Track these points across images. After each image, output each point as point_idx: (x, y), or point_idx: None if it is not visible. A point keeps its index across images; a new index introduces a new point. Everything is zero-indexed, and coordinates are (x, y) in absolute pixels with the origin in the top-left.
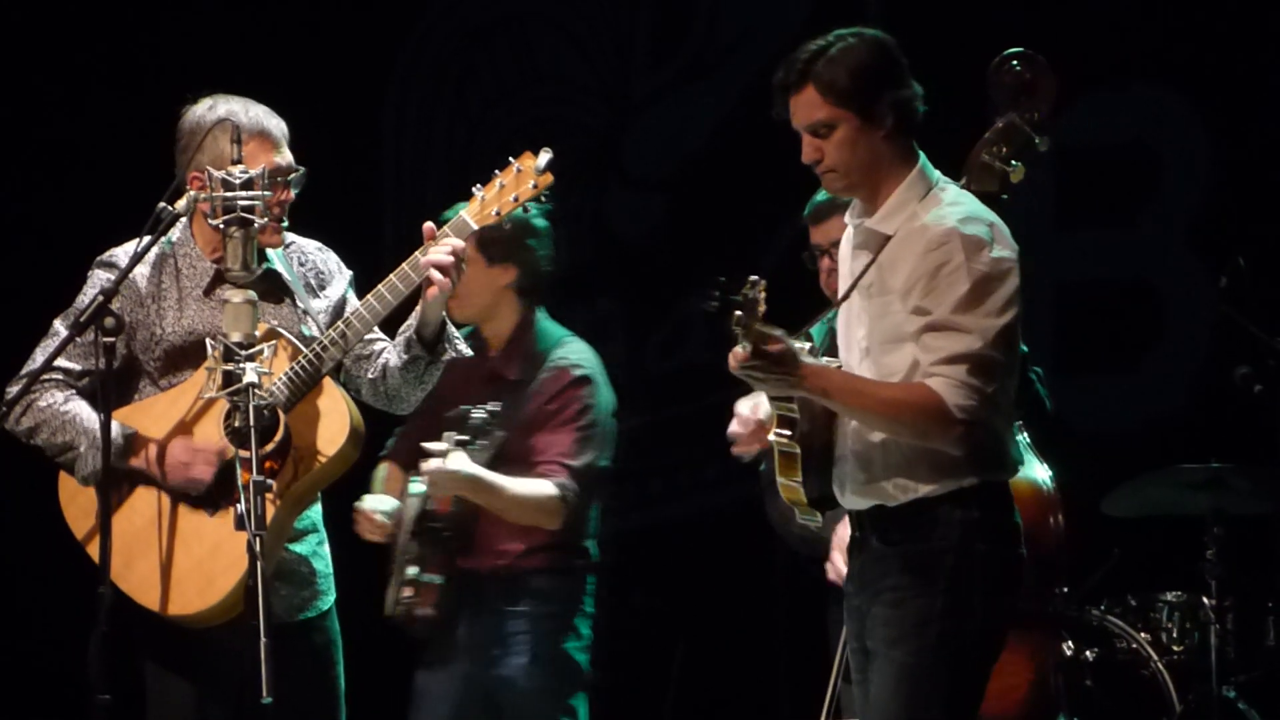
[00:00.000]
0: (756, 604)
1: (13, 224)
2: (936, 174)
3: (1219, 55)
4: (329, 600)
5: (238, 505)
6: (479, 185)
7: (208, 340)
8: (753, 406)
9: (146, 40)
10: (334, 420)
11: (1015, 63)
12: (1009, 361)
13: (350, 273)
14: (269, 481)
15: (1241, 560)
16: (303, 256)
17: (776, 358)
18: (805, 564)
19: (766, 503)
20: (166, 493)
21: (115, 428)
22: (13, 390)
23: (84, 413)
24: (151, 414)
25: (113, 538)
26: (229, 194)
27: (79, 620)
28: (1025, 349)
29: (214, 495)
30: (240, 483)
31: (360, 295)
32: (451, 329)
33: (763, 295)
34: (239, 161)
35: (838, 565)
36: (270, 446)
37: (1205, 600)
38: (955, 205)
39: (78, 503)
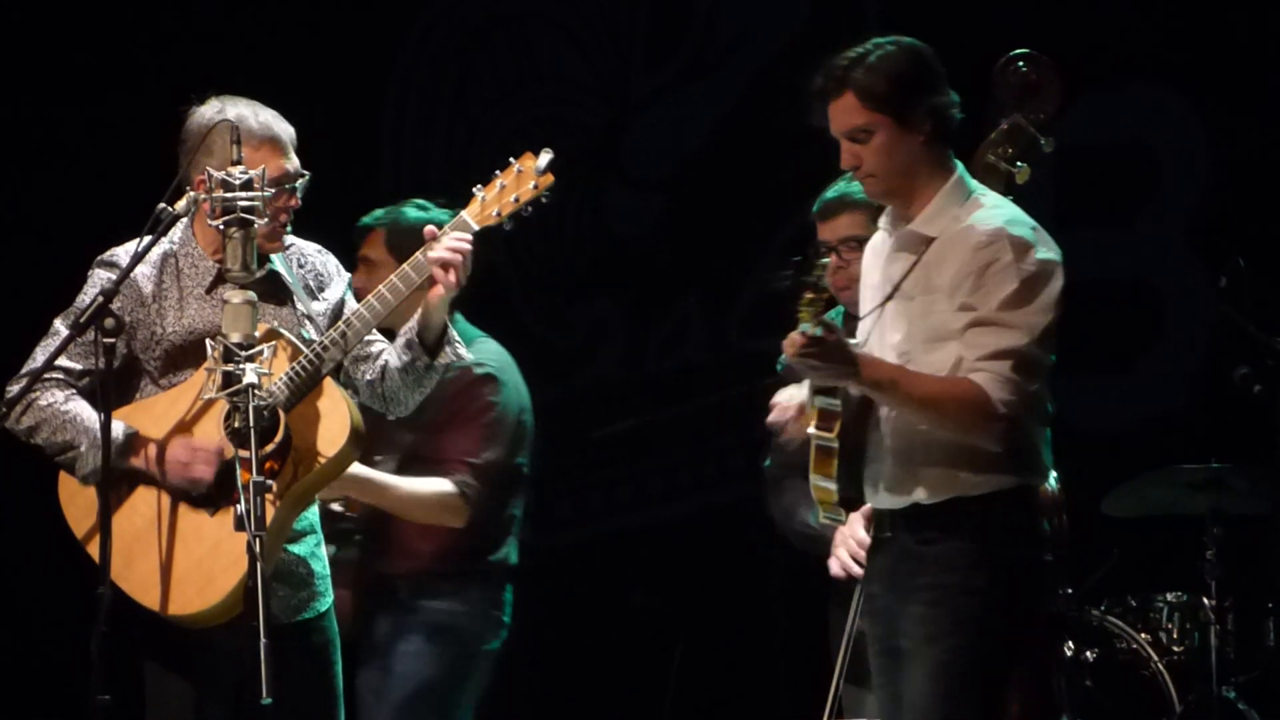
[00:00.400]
0: (756, 604)
1: (13, 224)
2: (974, 182)
3: (1219, 55)
4: (327, 601)
5: (237, 506)
6: (479, 186)
7: (208, 341)
8: (789, 397)
9: (147, 40)
10: (334, 421)
11: (1021, 63)
12: (1048, 363)
13: (349, 275)
14: (269, 482)
15: (1241, 560)
16: (302, 258)
17: (835, 345)
18: (807, 561)
19: (769, 499)
20: (167, 492)
21: (116, 427)
22: (13, 389)
23: (84, 412)
24: (152, 413)
25: (113, 537)
26: (229, 194)
27: (79, 620)
28: None
29: (214, 495)
30: (240, 483)
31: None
32: (453, 332)
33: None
34: (239, 162)
35: (842, 559)
36: (270, 447)
37: (1205, 600)
38: (998, 209)
39: (78, 502)
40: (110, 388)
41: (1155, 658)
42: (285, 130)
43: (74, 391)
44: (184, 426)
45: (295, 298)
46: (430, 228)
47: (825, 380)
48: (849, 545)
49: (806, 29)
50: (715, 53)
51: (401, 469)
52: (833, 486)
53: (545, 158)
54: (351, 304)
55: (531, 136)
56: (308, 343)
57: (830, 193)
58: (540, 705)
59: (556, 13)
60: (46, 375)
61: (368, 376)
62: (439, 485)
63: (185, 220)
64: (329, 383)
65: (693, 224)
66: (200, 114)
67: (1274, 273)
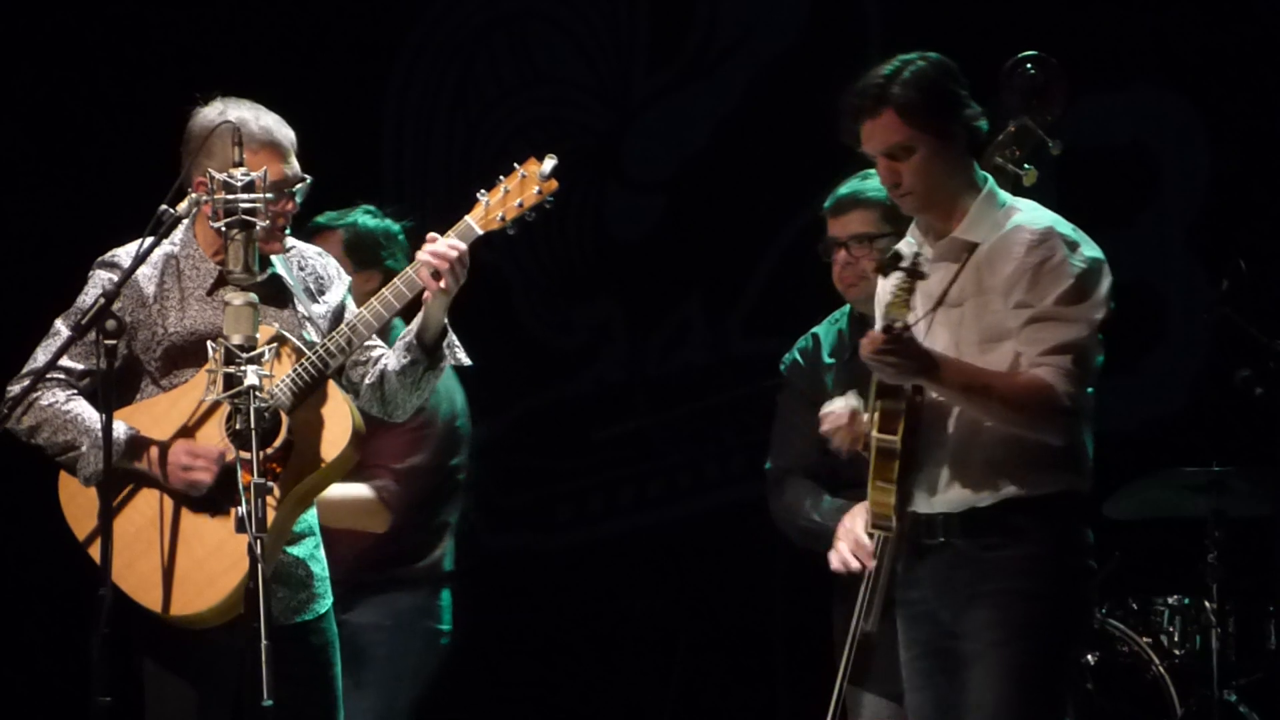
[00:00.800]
0: (757, 603)
1: (13, 224)
2: (1003, 192)
3: (1219, 56)
4: (326, 603)
5: (238, 507)
6: (483, 190)
7: (209, 343)
8: (841, 408)
9: (147, 40)
10: (336, 423)
11: (1028, 65)
12: (1099, 359)
13: (349, 278)
14: (270, 484)
15: (1242, 563)
16: (303, 261)
17: (911, 342)
18: (808, 562)
19: (770, 500)
20: (167, 493)
21: (117, 428)
22: (14, 389)
23: (86, 412)
24: (153, 414)
25: (114, 538)
26: (230, 196)
27: (80, 622)
28: None
29: (215, 497)
30: (241, 485)
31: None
32: (453, 336)
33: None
34: (240, 164)
35: (843, 554)
36: (272, 449)
37: (1206, 603)
38: (1039, 210)
39: (78, 503)
40: (111, 388)
41: (1156, 660)
42: (286, 135)
43: (75, 392)
44: (185, 428)
45: (296, 300)
46: (433, 235)
47: (899, 379)
48: (849, 540)
49: (807, 30)
50: (716, 54)
51: None
52: (893, 491)
53: (550, 163)
54: (352, 307)
55: (532, 138)
56: (309, 345)
57: (844, 189)
58: (541, 705)
59: (557, 14)
60: (48, 375)
61: (367, 380)
62: (358, 490)
63: (186, 222)
64: (331, 385)
65: (693, 225)
66: (203, 115)
67: (1275, 275)
